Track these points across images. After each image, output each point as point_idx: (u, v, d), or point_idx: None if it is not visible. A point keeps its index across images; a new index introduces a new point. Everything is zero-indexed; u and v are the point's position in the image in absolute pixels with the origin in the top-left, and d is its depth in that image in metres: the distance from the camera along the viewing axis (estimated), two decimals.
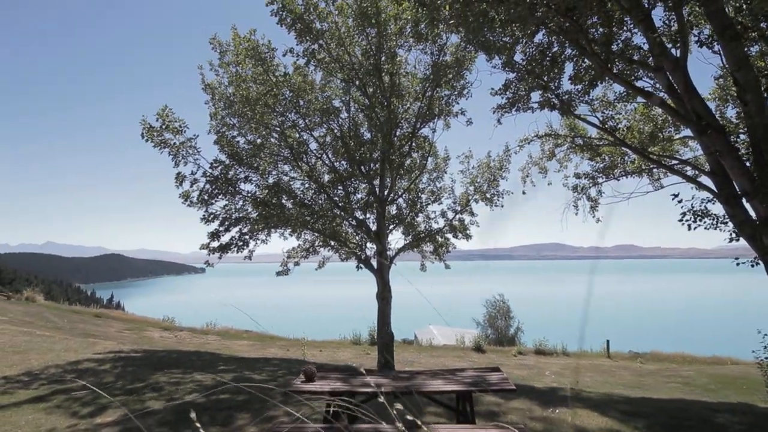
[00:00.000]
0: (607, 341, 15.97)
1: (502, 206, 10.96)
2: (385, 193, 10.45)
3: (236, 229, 10.36)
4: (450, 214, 11.22)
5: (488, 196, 10.83)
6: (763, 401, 7.43)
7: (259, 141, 10.40)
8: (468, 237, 11.35)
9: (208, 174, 9.94)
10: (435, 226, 11.47)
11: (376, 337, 11.49)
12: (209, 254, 10.33)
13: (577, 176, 9.55)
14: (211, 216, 10.18)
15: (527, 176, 9.93)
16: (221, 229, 10.27)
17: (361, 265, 10.91)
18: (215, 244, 10.28)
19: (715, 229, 6.47)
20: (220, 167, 10.08)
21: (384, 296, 10.29)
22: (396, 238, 11.48)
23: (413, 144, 10.54)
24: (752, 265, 6.36)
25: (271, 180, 10.59)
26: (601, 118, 7.68)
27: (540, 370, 11.46)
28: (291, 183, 10.93)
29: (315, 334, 17.87)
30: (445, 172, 11.53)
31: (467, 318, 25.34)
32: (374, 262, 10.68)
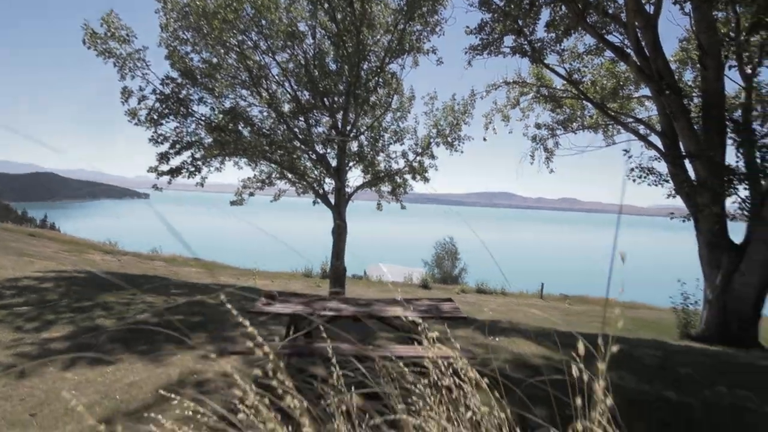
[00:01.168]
0: (542, 284, 17.22)
1: (462, 152, 11.12)
2: (348, 128, 10.23)
3: (188, 153, 9.91)
4: (411, 156, 11.25)
5: (450, 140, 10.89)
6: (673, 340, 8.46)
7: (215, 60, 9.69)
8: (426, 180, 11.50)
9: (158, 91, 9.27)
10: (395, 166, 11.50)
11: (329, 269, 11.72)
12: (158, 177, 9.90)
13: (538, 126, 9.78)
14: (161, 137, 9.64)
15: (490, 123, 10.04)
16: (171, 152, 9.78)
17: (318, 200, 10.87)
18: (164, 167, 9.82)
19: (656, 185, 6.96)
20: (171, 85, 9.41)
21: (339, 231, 10.40)
22: (355, 176, 11.44)
23: (380, 80, 10.24)
24: (683, 221, 6.96)
25: (227, 104, 10.05)
26: (568, 70, 7.76)
27: (480, 307, 12.28)
28: (249, 110, 10.44)
29: (266, 266, 17.91)
30: (409, 113, 11.40)
31: (416, 258, 26.31)
32: (331, 198, 10.66)
